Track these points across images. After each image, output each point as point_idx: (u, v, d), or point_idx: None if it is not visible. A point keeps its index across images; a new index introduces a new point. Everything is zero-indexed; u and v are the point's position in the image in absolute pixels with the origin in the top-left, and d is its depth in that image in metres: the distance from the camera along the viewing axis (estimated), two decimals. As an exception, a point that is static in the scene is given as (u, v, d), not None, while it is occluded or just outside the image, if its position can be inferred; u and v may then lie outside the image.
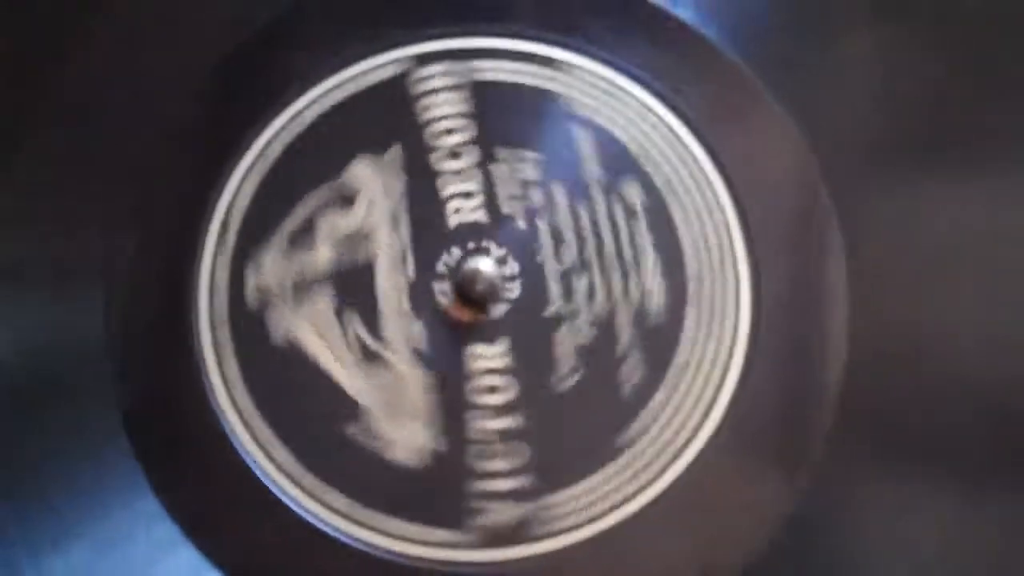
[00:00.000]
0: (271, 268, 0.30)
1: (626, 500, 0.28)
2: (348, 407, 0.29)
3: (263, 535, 0.28)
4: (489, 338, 0.29)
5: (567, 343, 0.29)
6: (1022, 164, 0.30)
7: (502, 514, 0.28)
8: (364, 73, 0.31)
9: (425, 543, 0.28)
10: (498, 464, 0.28)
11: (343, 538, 0.28)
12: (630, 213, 0.30)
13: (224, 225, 0.30)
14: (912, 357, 0.29)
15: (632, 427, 0.28)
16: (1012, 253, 0.29)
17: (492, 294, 0.30)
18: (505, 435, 0.28)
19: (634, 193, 0.30)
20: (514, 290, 0.30)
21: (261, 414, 0.29)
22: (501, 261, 0.30)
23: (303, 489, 0.29)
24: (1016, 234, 0.29)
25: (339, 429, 0.29)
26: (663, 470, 0.28)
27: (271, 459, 0.29)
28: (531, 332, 0.29)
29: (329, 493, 0.29)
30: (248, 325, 0.30)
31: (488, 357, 0.29)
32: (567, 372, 0.29)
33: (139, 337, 0.30)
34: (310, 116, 0.31)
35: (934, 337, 0.29)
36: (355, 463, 0.29)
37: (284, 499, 0.29)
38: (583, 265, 0.30)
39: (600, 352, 0.29)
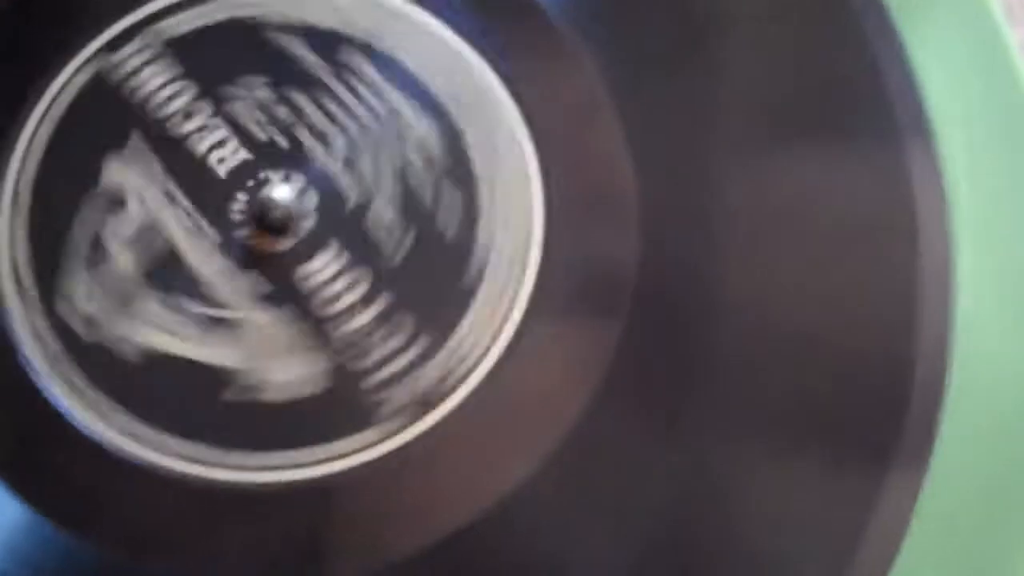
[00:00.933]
0: (83, 296, 0.30)
1: (494, 338, 0.30)
2: (222, 376, 0.29)
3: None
4: (312, 253, 0.30)
5: (380, 220, 0.30)
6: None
7: (411, 386, 0.29)
8: (65, 86, 0.31)
9: (342, 456, 0.29)
10: (388, 347, 0.29)
11: (261, 488, 0.29)
12: (365, 83, 0.31)
13: (16, 276, 0.30)
14: (701, 262, 0.30)
15: (471, 271, 0.30)
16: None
17: (292, 216, 0.30)
18: (381, 319, 0.30)
19: (358, 61, 0.31)
20: (311, 201, 0.31)
21: (139, 419, 0.29)
22: (285, 180, 0.30)
23: (192, 459, 0.29)
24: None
25: (219, 399, 0.29)
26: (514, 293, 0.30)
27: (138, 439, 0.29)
28: (345, 229, 0.30)
29: (229, 455, 0.29)
30: (95, 354, 0.30)
31: (322, 269, 0.30)
32: (395, 245, 0.30)
33: None
34: (39, 145, 0.31)
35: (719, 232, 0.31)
36: (246, 420, 0.29)
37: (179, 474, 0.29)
38: (356, 148, 0.31)
39: (412, 213, 0.30)
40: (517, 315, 0.29)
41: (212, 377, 0.29)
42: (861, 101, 0.32)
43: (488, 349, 0.29)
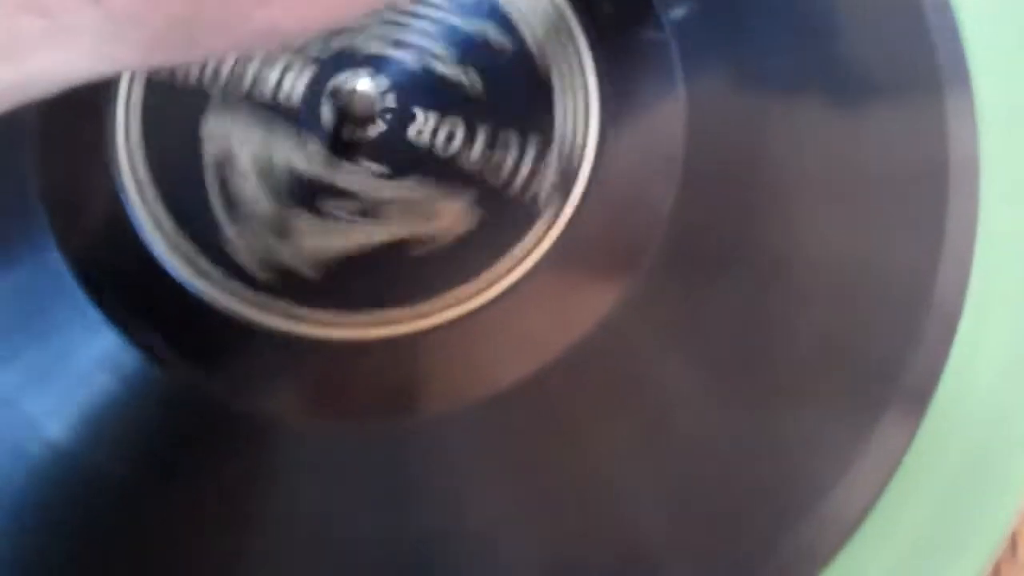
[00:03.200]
0: (241, 241, 0.33)
1: (587, 116, 0.35)
2: (395, 249, 0.33)
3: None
4: (406, 124, 0.34)
5: (447, 74, 0.35)
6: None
7: (545, 180, 0.34)
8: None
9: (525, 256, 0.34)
10: (510, 159, 0.34)
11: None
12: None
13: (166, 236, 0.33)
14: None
15: (540, 69, 0.35)
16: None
17: (374, 102, 0.34)
18: (490, 144, 0.34)
19: None
20: (383, 84, 0.34)
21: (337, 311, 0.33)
22: (356, 76, 0.34)
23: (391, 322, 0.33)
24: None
25: (402, 265, 0.33)
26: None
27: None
28: (422, 93, 0.34)
29: (397, 313, 0.33)
30: (280, 284, 0.33)
31: (422, 126, 0.34)
32: (471, 83, 0.35)
33: None
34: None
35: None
36: (431, 270, 0.33)
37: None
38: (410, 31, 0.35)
39: (471, 57, 0.35)
40: (594, 92, 0.35)
41: (388, 253, 0.33)
42: (904, 56, 0.36)
43: (587, 124, 0.34)
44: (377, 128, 0.34)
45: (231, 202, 0.33)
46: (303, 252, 0.33)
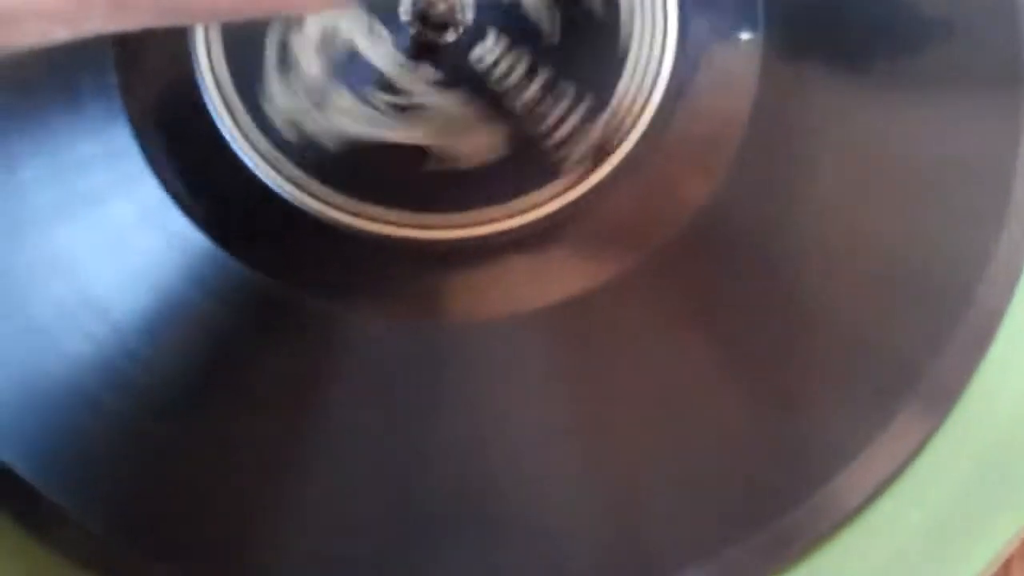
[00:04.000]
0: (282, 97, 0.34)
1: (652, 89, 0.34)
2: (416, 153, 0.34)
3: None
4: (475, 41, 0.34)
5: (533, 9, 0.35)
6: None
7: (587, 140, 0.34)
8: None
9: (535, 206, 0.33)
10: (558, 111, 0.34)
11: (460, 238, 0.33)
12: None
13: (219, 87, 0.34)
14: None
15: (621, 38, 0.35)
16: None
17: (454, 10, 0.34)
18: (546, 89, 0.34)
19: None
20: None
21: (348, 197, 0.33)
22: None
23: (393, 223, 0.33)
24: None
25: (418, 171, 0.33)
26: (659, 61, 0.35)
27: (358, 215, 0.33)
28: (502, 18, 0.34)
29: (428, 217, 0.33)
30: (300, 148, 0.33)
31: (486, 53, 0.34)
32: (550, 27, 0.35)
33: None
34: None
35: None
36: (443, 187, 0.33)
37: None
38: None
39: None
40: (664, 77, 0.34)
41: (407, 154, 0.33)
42: (989, 50, 0.35)
43: (646, 103, 0.34)
44: (447, 37, 0.34)
45: (284, 59, 0.34)
46: (331, 125, 0.34)
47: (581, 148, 0.34)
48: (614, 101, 0.34)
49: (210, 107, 0.34)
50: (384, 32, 0.34)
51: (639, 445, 0.32)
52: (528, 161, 0.33)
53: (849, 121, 0.34)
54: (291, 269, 0.33)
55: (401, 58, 0.34)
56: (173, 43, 0.34)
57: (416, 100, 0.34)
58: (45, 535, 0.32)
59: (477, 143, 0.34)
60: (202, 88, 0.34)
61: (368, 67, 0.34)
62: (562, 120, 0.34)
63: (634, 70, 0.34)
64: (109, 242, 0.33)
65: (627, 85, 0.34)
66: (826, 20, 0.35)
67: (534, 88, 0.34)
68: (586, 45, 0.34)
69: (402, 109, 0.34)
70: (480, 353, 0.32)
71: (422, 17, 0.34)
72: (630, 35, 0.34)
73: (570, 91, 0.34)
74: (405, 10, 0.34)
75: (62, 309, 0.32)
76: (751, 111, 0.34)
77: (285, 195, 0.33)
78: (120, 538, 0.31)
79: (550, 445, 0.32)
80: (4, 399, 0.32)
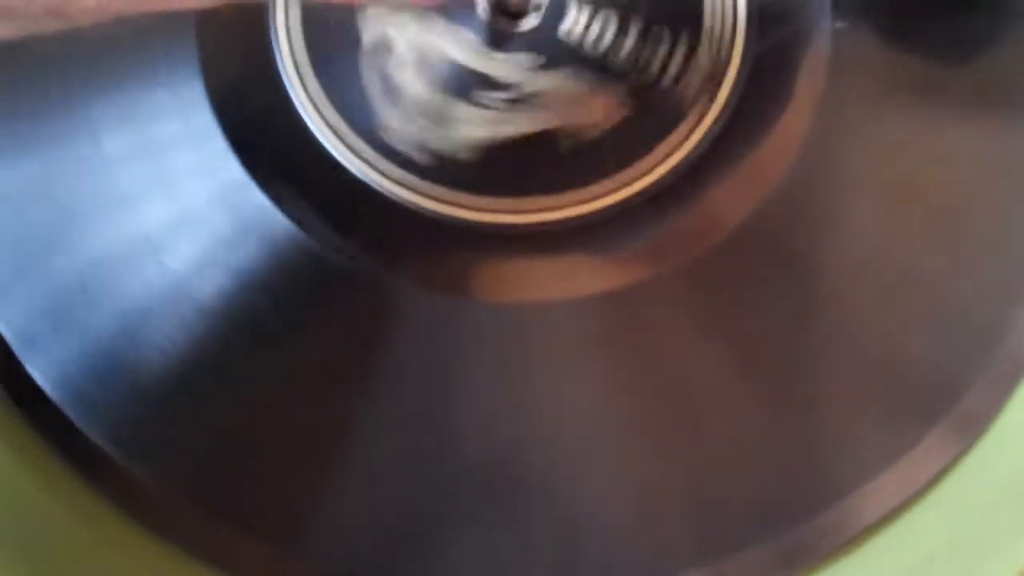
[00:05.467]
0: (402, 127, 0.34)
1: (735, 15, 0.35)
2: (547, 138, 0.34)
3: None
4: (560, 17, 0.35)
5: None
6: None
7: (697, 74, 0.35)
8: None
9: (669, 155, 0.34)
10: (660, 55, 0.35)
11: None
12: None
13: (333, 129, 0.34)
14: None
15: None
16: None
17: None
18: (642, 38, 0.35)
19: None
20: None
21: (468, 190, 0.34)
22: None
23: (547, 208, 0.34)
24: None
25: (555, 154, 0.34)
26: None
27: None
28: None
29: (583, 191, 0.34)
30: (438, 170, 0.34)
31: (574, 25, 0.35)
32: None
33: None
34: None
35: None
36: (585, 160, 0.34)
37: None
38: None
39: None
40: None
41: (539, 142, 0.34)
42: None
43: (735, 23, 0.35)
44: (530, 21, 0.35)
45: (389, 89, 0.34)
46: (457, 137, 0.34)
47: (696, 80, 0.34)
48: (706, 29, 0.35)
49: (286, 82, 0.35)
50: (471, 35, 0.35)
51: (661, 445, 0.33)
52: (654, 109, 0.34)
53: (900, 147, 0.35)
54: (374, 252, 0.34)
55: (495, 54, 0.35)
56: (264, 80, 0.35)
57: (527, 90, 0.34)
58: (114, 494, 0.32)
59: (601, 108, 0.34)
60: (279, 63, 0.35)
61: (470, 72, 0.34)
62: (668, 60, 0.35)
63: (713, 19, 0.35)
64: (188, 220, 0.34)
65: (712, 9, 0.35)
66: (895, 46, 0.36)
67: (631, 41, 0.35)
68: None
69: (518, 101, 0.34)
70: (524, 335, 0.33)
71: (500, 9, 0.35)
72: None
73: (665, 33, 0.35)
74: (482, 9, 0.35)
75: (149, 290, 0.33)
76: (808, 134, 0.35)
77: (378, 188, 0.34)
78: (175, 493, 0.32)
79: (576, 435, 0.32)
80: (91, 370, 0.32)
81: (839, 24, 0.35)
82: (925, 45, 0.36)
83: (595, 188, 0.34)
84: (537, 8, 0.35)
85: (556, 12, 0.35)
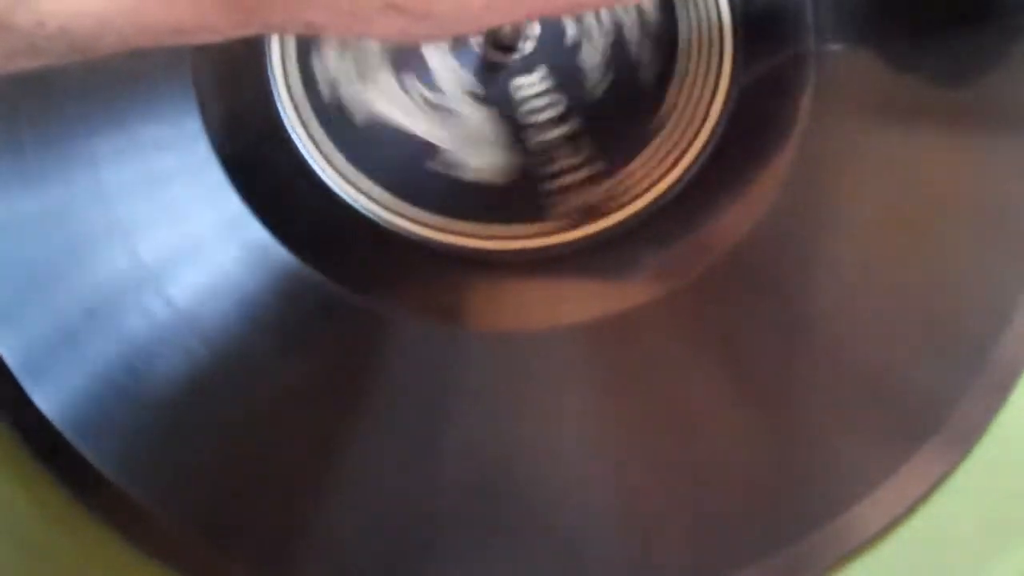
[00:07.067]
0: (333, 57, 0.36)
1: (668, 169, 0.35)
2: (429, 150, 0.35)
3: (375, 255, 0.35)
4: (526, 70, 0.36)
5: (588, 60, 0.36)
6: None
7: (582, 197, 0.35)
8: None
9: (515, 237, 0.35)
10: (568, 163, 0.35)
11: (437, 243, 0.34)
12: None
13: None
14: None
15: (660, 111, 0.35)
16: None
17: (519, 36, 0.36)
18: (567, 138, 0.35)
19: None
20: (534, 29, 0.36)
21: (354, 167, 0.35)
22: None
23: (388, 208, 0.35)
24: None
25: (422, 165, 0.35)
26: (689, 143, 0.35)
27: (360, 190, 0.35)
28: (556, 59, 0.36)
29: (416, 211, 0.35)
30: (331, 111, 0.36)
31: (530, 85, 0.36)
32: (597, 81, 0.35)
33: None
34: None
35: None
36: (442, 189, 0.35)
37: (370, 216, 0.35)
38: None
39: (616, 61, 0.36)
40: (686, 163, 0.35)
41: (421, 148, 0.35)
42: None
43: (651, 187, 0.35)
44: (503, 58, 0.36)
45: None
46: (364, 98, 0.35)
47: (572, 204, 0.35)
48: (624, 172, 0.35)
49: (282, 114, 0.36)
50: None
51: (658, 464, 0.33)
52: (520, 196, 0.35)
53: (887, 169, 0.35)
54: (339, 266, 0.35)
55: (453, 62, 0.36)
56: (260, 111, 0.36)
57: (449, 103, 0.35)
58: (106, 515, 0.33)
59: (486, 162, 0.35)
60: (275, 95, 0.36)
61: (421, 57, 0.36)
62: (567, 172, 0.35)
63: (657, 150, 0.35)
64: (188, 251, 0.35)
65: (645, 162, 0.35)
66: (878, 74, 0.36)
67: (556, 133, 0.35)
68: (623, 110, 0.35)
69: (433, 107, 0.35)
70: (515, 362, 0.34)
71: (490, 32, 0.36)
72: (669, 115, 0.35)
73: (587, 149, 0.35)
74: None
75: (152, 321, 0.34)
76: (796, 160, 0.35)
77: (374, 216, 0.35)
78: (176, 519, 0.33)
79: (573, 457, 0.33)
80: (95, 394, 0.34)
81: (827, 48, 0.35)
82: (913, 68, 0.36)
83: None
84: (516, 53, 0.36)
85: (525, 66, 0.36)
